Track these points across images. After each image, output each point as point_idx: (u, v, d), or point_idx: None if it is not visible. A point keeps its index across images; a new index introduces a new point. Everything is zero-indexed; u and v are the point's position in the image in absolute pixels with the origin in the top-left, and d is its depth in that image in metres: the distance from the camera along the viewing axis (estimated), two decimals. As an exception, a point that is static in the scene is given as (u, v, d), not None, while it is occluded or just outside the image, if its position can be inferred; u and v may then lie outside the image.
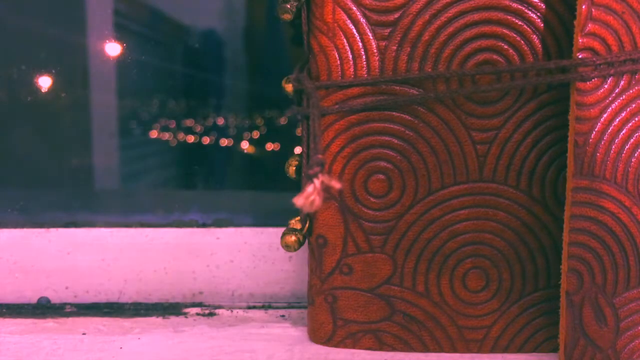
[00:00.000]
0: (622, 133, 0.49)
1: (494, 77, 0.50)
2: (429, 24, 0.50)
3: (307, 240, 0.55)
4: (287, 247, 0.53)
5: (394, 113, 0.52)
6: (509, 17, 0.50)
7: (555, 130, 0.51)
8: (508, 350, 0.54)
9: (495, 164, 0.52)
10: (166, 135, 0.70)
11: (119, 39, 0.68)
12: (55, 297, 0.64)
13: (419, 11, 0.50)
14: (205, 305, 0.64)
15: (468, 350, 0.54)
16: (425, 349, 0.54)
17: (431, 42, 0.51)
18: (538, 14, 0.50)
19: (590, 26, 0.47)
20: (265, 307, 0.63)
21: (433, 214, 0.52)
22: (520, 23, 0.50)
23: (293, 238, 0.53)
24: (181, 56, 0.69)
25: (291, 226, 0.54)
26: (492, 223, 0.52)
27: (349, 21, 0.51)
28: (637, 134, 0.49)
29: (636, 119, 0.49)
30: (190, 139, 0.71)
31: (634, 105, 0.49)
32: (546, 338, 0.53)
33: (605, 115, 0.48)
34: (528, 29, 0.50)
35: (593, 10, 0.47)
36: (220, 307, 0.63)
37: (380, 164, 0.52)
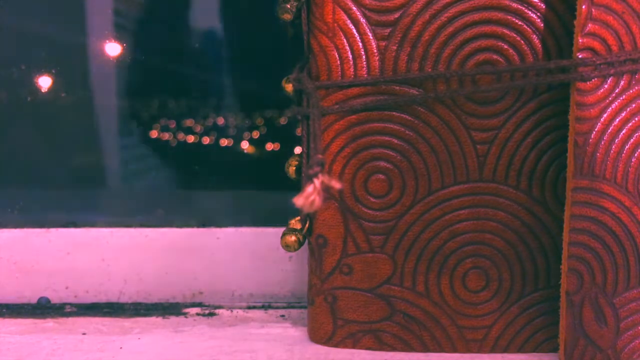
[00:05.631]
0: (622, 133, 0.49)
1: (494, 77, 0.50)
2: (429, 24, 0.50)
3: (307, 240, 0.55)
4: (287, 247, 0.53)
5: (394, 113, 0.52)
6: (509, 17, 0.50)
7: (555, 130, 0.51)
8: (508, 350, 0.54)
9: (495, 164, 0.52)
10: (166, 135, 0.70)
11: (119, 39, 0.67)
12: (55, 297, 0.64)
13: (419, 11, 0.50)
14: (205, 305, 0.64)
15: (468, 350, 0.54)
16: (426, 349, 0.54)
17: (431, 42, 0.51)
18: (538, 14, 0.50)
19: (590, 26, 0.47)
20: (265, 307, 0.63)
21: (433, 214, 0.52)
22: (520, 23, 0.50)
23: (293, 238, 0.53)
24: (181, 56, 0.69)
25: (291, 226, 0.54)
26: (492, 223, 0.52)
27: (349, 21, 0.51)
28: (637, 134, 0.49)
29: (636, 119, 0.49)
30: (190, 139, 0.71)
31: (634, 105, 0.49)
32: (546, 338, 0.53)
33: (605, 115, 0.48)
34: (528, 29, 0.50)
35: (593, 10, 0.47)
36: (220, 307, 0.63)
37: (380, 164, 0.52)
